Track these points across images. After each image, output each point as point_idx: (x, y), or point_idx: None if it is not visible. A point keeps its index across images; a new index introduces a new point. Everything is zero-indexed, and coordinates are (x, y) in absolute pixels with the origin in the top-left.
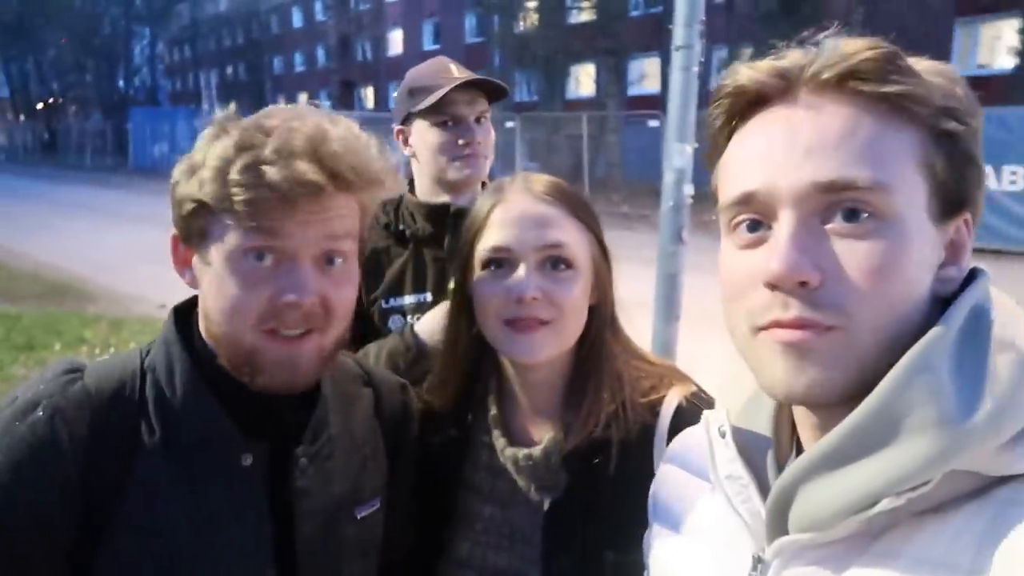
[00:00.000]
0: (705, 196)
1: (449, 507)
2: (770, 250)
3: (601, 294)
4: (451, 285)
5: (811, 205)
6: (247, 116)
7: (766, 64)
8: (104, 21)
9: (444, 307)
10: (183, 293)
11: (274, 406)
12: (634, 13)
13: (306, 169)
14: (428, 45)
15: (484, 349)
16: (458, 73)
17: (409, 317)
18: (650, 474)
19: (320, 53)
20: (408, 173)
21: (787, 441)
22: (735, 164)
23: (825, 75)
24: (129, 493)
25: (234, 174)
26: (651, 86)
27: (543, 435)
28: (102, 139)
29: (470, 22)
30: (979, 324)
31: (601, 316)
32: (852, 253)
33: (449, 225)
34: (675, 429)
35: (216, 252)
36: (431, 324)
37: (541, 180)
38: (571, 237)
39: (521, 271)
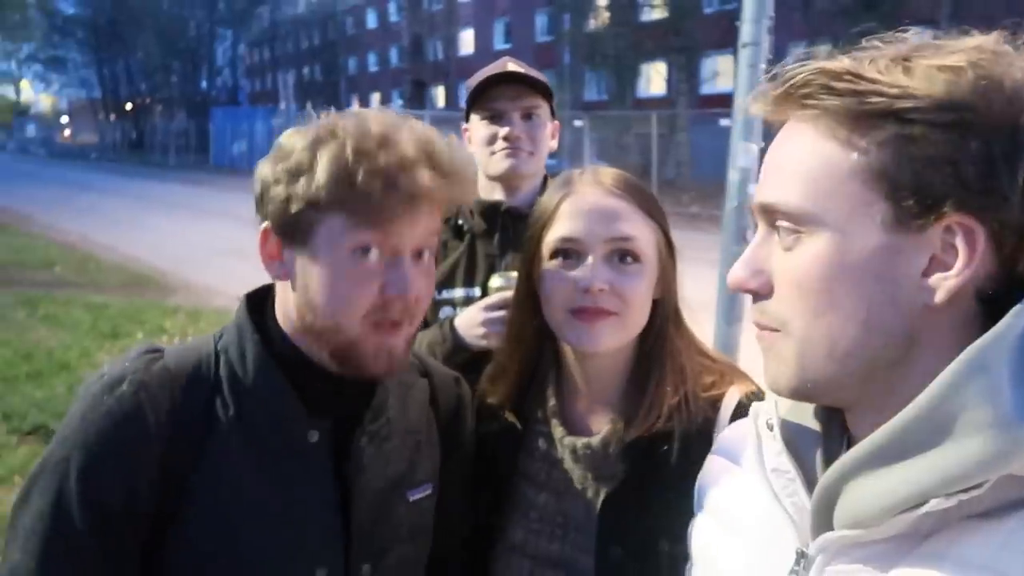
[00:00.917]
0: None
1: (504, 495)
2: None
3: (665, 288)
4: (491, 280)
5: (763, 221)
6: (327, 116)
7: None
8: (189, 24)
9: (481, 304)
10: (258, 286)
11: (339, 388)
12: (707, 10)
13: (427, 176)
14: (499, 44)
15: (545, 339)
16: (514, 69)
17: (458, 309)
18: None
19: (393, 53)
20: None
21: (837, 436)
22: None
23: (777, 94)
24: (204, 465)
25: (361, 179)
26: (724, 84)
27: (601, 426)
28: (185, 138)
29: (541, 21)
30: None
31: (665, 310)
32: (782, 265)
33: (499, 223)
34: None
35: (325, 248)
36: (468, 319)
37: (610, 173)
38: (638, 231)
39: (589, 262)
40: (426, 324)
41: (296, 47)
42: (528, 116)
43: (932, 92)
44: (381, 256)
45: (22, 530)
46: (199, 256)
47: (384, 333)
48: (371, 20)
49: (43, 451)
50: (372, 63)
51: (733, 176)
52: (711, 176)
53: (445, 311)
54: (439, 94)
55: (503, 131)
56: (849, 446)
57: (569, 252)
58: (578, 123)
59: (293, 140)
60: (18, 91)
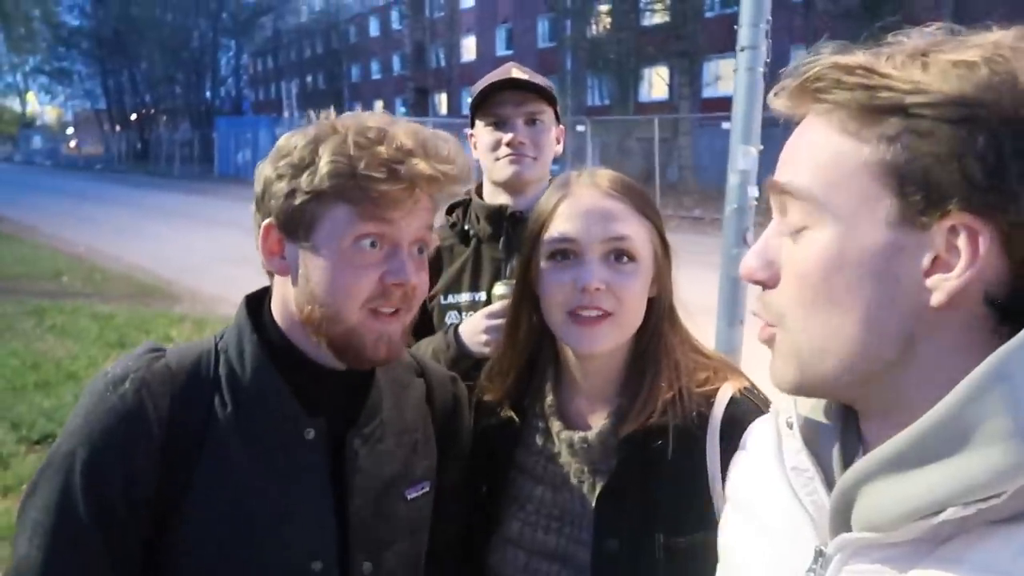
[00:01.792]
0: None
1: (501, 489)
2: None
3: (661, 286)
4: (495, 288)
5: (776, 204)
6: (325, 116)
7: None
8: (193, 35)
9: (485, 312)
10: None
11: (334, 388)
12: (709, 14)
13: (424, 165)
14: (501, 51)
15: (543, 337)
16: (519, 75)
17: (464, 314)
18: (702, 461)
19: (396, 61)
20: (480, 176)
21: (854, 434)
22: None
23: (793, 88)
24: (205, 463)
25: (363, 169)
26: (726, 88)
27: (598, 421)
28: (189, 148)
29: (543, 27)
30: None
31: (660, 308)
32: (789, 257)
33: (506, 227)
34: (729, 419)
35: (328, 238)
36: (472, 327)
37: (606, 175)
38: (634, 231)
39: (586, 262)
40: (433, 329)
41: (299, 56)
42: (532, 122)
43: (943, 88)
44: (381, 246)
45: (29, 523)
46: (204, 265)
47: (382, 320)
48: (373, 28)
49: None
50: (375, 71)
51: (733, 179)
52: (714, 179)
53: (451, 316)
54: (442, 101)
55: (507, 137)
56: (863, 446)
57: (566, 252)
58: (581, 128)
59: (293, 139)
60: (24, 103)
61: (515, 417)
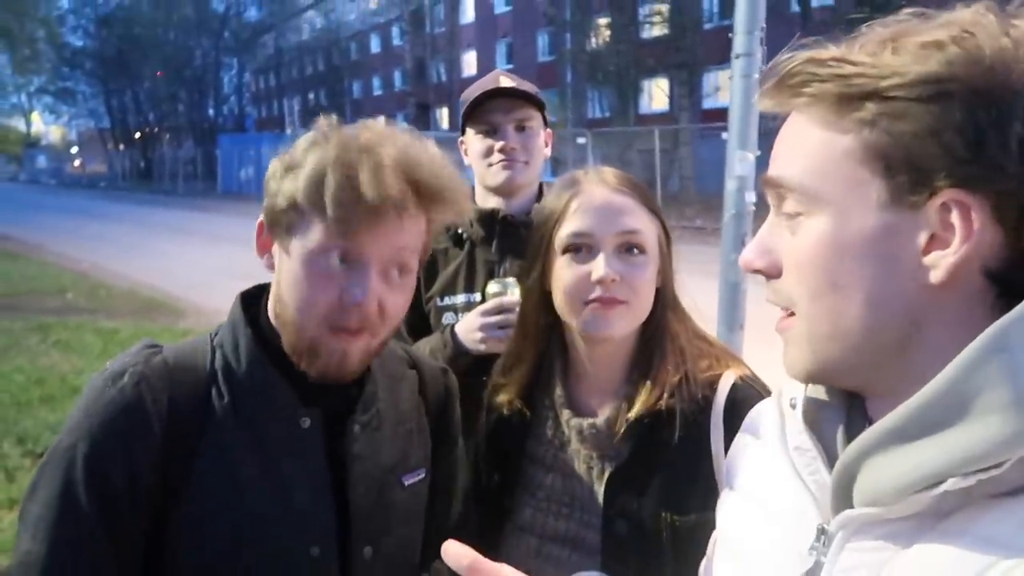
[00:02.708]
0: (767, 206)
1: (513, 479)
2: None
3: (665, 276)
4: (488, 287)
5: (773, 201)
6: (333, 123)
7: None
8: (196, 53)
9: (479, 310)
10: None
11: (327, 382)
12: (707, 26)
13: (395, 187)
14: (501, 64)
15: (553, 332)
16: (506, 84)
17: (460, 315)
18: (707, 444)
19: (397, 76)
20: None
21: (859, 416)
22: None
23: (771, 86)
24: (204, 453)
25: (330, 183)
26: (725, 99)
27: (607, 408)
28: (193, 165)
29: (542, 41)
30: None
31: (665, 297)
32: (788, 247)
33: (497, 230)
34: (731, 404)
35: (298, 246)
36: (467, 325)
37: (613, 172)
38: (643, 224)
39: (601, 256)
40: (431, 330)
41: (301, 73)
42: (521, 128)
43: (914, 69)
44: (343, 263)
45: (31, 517)
46: (208, 280)
47: (341, 338)
48: (375, 45)
49: None
50: (376, 87)
51: (730, 185)
52: (715, 189)
53: (447, 317)
54: (443, 115)
55: (498, 144)
56: (869, 426)
57: (581, 247)
58: (581, 140)
59: (301, 139)
60: (29, 123)
61: (526, 410)
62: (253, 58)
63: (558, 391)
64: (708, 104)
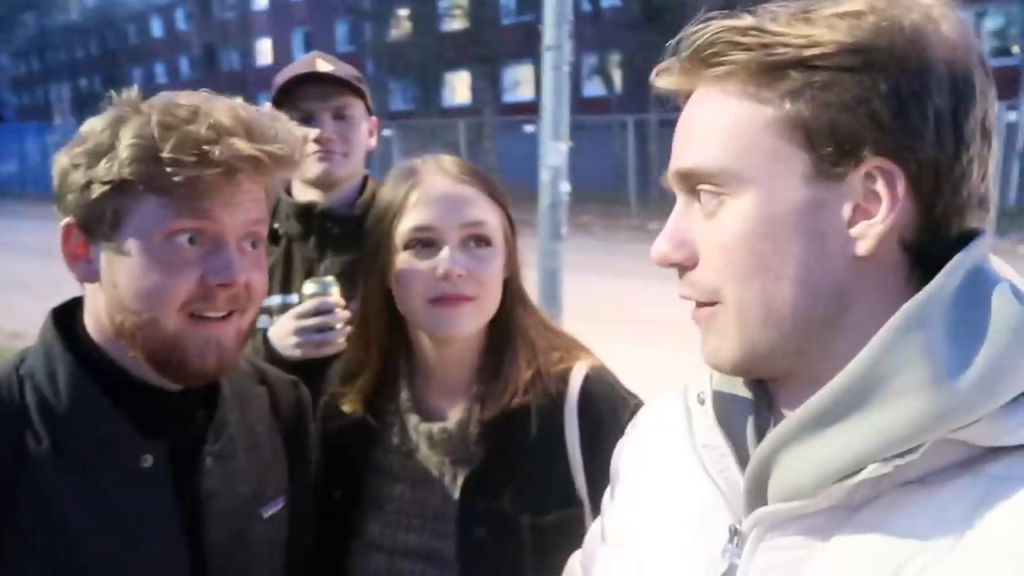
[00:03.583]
0: (580, 196)
1: (358, 493)
2: None
3: (512, 268)
4: (304, 287)
5: (682, 190)
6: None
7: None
8: None
9: (293, 313)
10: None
11: (172, 405)
12: (506, 21)
13: (245, 146)
14: (298, 54)
15: (396, 332)
16: (324, 68)
17: (275, 318)
18: (562, 439)
19: (184, 64)
20: None
21: (767, 409)
22: None
23: (685, 59)
24: (22, 505)
25: (169, 152)
26: (525, 93)
27: (457, 410)
28: None
29: (342, 30)
30: (977, 285)
31: (513, 290)
32: (706, 233)
33: (316, 225)
34: (584, 397)
35: (136, 236)
36: (281, 330)
37: (453, 161)
38: (488, 215)
39: (446, 250)
40: None
41: (71, 57)
42: (341, 116)
43: (836, 38)
44: (201, 243)
45: None
46: None
47: (207, 326)
48: (156, 28)
49: None
50: (160, 73)
51: (545, 175)
52: (520, 182)
53: (261, 321)
54: None
55: (314, 133)
56: (778, 420)
57: (424, 241)
58: (386, 132)
59: (93, 123)
60: None
61: (369, 417)
62: (11, 39)
63: (404, 395)
64: (509, 98)
